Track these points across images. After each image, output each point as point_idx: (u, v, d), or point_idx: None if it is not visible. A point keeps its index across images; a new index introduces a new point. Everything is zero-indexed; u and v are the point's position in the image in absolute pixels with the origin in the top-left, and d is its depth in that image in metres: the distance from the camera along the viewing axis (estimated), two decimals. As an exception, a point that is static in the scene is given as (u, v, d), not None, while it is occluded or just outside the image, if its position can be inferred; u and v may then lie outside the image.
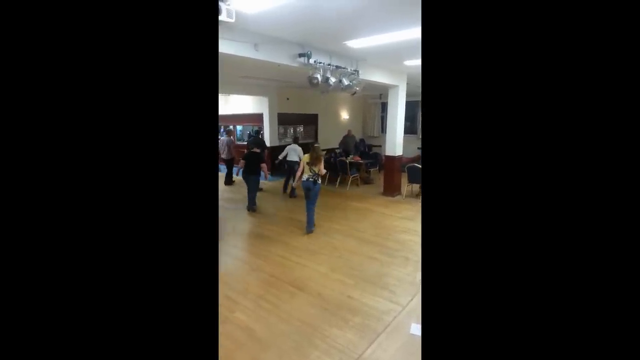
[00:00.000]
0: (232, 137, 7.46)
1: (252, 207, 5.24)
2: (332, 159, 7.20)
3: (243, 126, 9.24)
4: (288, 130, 8.56)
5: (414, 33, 3.14)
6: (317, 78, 3.77)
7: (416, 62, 4.72)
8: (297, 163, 5.22)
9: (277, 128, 8.06)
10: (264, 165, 5.21)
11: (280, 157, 6.16)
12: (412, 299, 2.74)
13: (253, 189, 5.21)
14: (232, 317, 2.50)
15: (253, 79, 6.32)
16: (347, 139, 7.91)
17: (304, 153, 4.93)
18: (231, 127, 8.87)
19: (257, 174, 5.17)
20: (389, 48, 3.75)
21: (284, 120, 8.24)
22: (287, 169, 6.12)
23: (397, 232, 4.32)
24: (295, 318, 2.47)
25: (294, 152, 5.96)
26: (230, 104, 9.10)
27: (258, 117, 8.22)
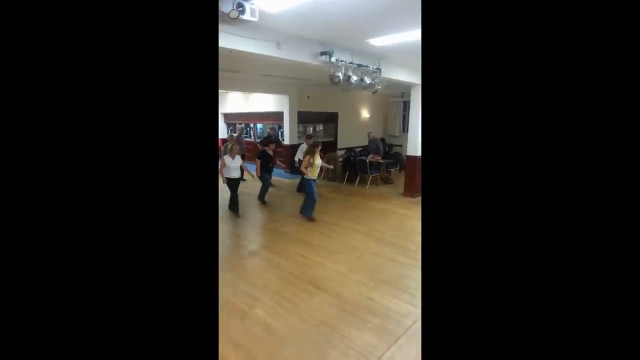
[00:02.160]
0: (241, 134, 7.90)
1: (260, 198, 5.62)
2: (351, 158, 7.15)
3: (263, 124, 9.36)
4: (307, 129, 8.59)
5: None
6: (338, 76, 3.75)
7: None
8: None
9: (297, 126, 8.09)
10: (256, 161, 5.51)
11: (296, 158, 6.24)
12: (433, 303, 2.67)
13: (263, 185, 5.61)
14: (252, 312, 2.53)
15: (274, 77, 6.37)
16: (370, 143, 7.71)
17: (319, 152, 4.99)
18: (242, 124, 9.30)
19: (265, 171, 5.48)
20: (412, 46, 3.66)
21: (304, 118, 8.26)
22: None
23: (418, 234, 4.23)
24: (314, 317, 2.47)
25: (301, 151, 6.03)
26: (250, 102, 9.23)
27: (278, 116, 8.28)
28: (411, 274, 3.17)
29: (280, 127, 8.47)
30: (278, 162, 5.68)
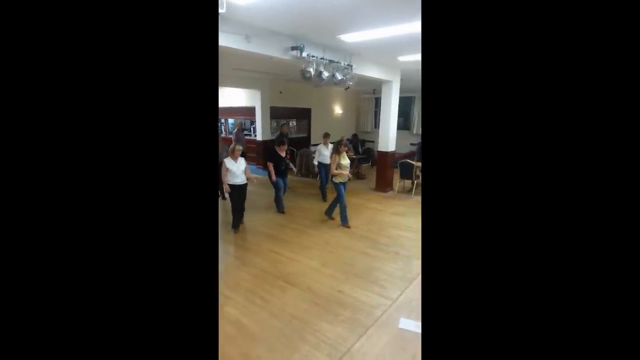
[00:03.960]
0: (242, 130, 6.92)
1: (278, 208, 4.90)
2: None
3: (235, 119, 9.15)
4: (281, 124, 8.50)
5: (409, 28, 3.12)
6: (310, 72, 3.74)
7: (410, 58, 4.71)
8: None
9: (269, 122, 7.99)
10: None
11: (315, 161, 5.57)
12: (401, 294, 2.77)
13: (275, 192, 4.89)
14: (223, 311, 2.49)
15: (245, 71, 6.24)
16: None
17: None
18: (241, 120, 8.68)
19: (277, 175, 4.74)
20: (383, 43, 3.73)
21: (276, 114, 8.17)
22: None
23: (389, 228, 4.35)
24: (286, 313, 2.48)
25: (319, 154, 5.52)
26: (222, 96, 8.98)
27: (250, 111, 8.13)
28: (382, 266, 3.26)
29: (253, 122, 8.32)
30: (290, 165, 4.91)
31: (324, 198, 5.46)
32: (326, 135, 5.58)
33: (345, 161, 4.15)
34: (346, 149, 4.19)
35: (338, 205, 4.31)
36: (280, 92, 8.09)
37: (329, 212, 4.52)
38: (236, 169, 3.87)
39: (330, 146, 5.32)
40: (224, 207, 4.84)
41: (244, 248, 3.69)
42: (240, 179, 3.94)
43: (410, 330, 2.30)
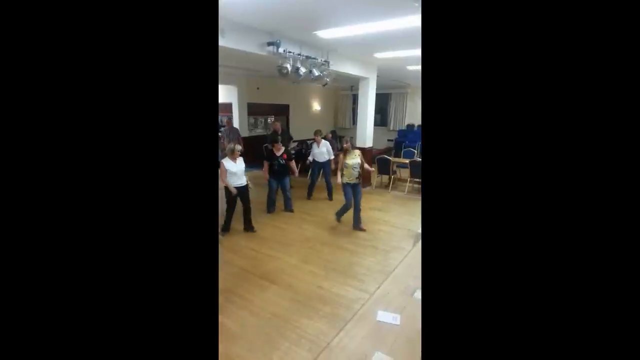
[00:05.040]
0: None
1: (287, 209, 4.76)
2: (303, 150, 7.17)
3: (227, 116, 8.93)
4: (259, 121, 8.40)
5: (386, 25, 3.16)
6: (286, 68, 3.71)
7: (386, 55, 4.77)
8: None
9: (247, 118, 7.87)
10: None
11: (310, 157, 5.45)
12: (379, 287, 2.83)
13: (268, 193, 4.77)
14: (201, 312, 2.45)
15: (222, 67, 6.09)
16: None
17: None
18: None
19: (271, 175, 4.62)
20: (360, 40, 3.76)
21: (254, 110, 8.06)
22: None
23: (367, 223, 4.42)
24: (266, 311, 2.47)
25: (317, 151, 5.29)
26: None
27: (227, 107, 7.97)
28: (360, 260, 3.32)
29: (230, 118, 8.16)
30: (293, 167, 4.65)
31: (309, 196, 5.44)
32: (317, 133, 5.27)
33: (353, 161, 3.86)
34: (348, 145, 3.89)
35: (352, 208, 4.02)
36: (258, 89, 7.97)
37: (338, 215, 4.26)
38: (237, 170, 3.73)
39: (323, 142, 5.19)
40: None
41: (221, 245, 3.63)
42: (241, 180, 3.80)
43: (387, 323, 2.37)
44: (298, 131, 9.01)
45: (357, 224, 4.10)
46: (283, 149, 4.54)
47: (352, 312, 2.48)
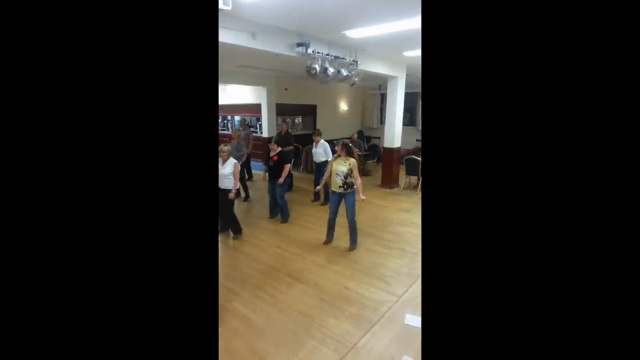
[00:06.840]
0: (249, 128, 6.38)
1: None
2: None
3: (241, 116, 9.18)
4: (286, 121, 8.50)
5: (414, 23, 3.10)
6: (315, 68, 3.73)
7: (415, 53, 4.66)
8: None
9: (275, 119, 8.01)
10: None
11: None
12: (407, 290, 2.77)
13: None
14: (230, 306, 2.53)
15: (251, 68, 6.24)
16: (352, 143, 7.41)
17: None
18: (247, 118, 8.43)
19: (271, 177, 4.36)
20: (388, 38, 3.70)
21: (282, 111, 8.18)
22: None
23: (394, 224, 4.34)
24: (292, 308, 2.50)
25: (315, 152, 5.19)
26: (228, 93, 9.01)
27: (256, 108, 8.15)
28: (386, 262, 3.27)
29: (259, 119, 8.34)
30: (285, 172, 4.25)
31: (316, 198, 5.25)
32: (316, 132, 5.05)
33: (339, 167, 3.29)
34: (344, 151, 3.33)
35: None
36: (286, 89, 8.08)
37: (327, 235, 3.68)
38: (221, 172, 3.46)
39: (321, 142, 5.01)
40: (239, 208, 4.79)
41: (250, 244, 3.72)
42: (221, 184, 3.49)
43: (415, 327, 2.31)
44: (325, 131, 9.00)
45: (351, 242, 3.54)
46: (278, 149, 4.23)
47: (378, 314, 2.45)
